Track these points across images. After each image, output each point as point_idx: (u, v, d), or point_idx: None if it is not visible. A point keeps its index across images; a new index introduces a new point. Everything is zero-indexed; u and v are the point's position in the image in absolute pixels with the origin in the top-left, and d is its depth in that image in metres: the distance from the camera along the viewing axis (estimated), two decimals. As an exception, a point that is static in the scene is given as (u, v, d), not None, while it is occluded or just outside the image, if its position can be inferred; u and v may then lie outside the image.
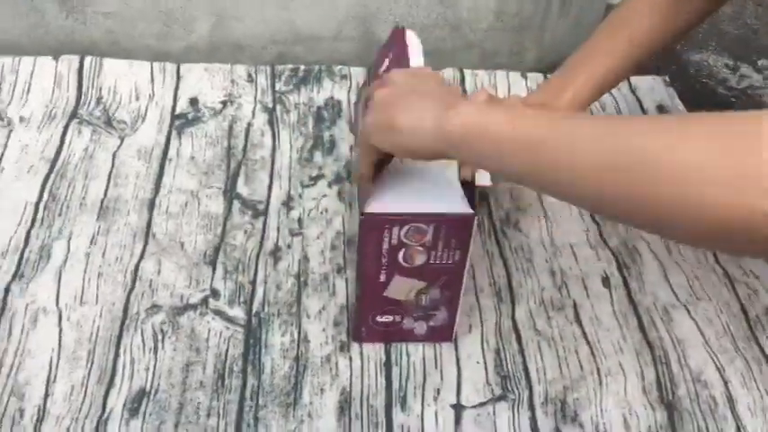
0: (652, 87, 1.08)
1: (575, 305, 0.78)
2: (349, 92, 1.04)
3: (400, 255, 0.65)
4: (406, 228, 0.62)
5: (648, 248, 0.84)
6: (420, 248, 0.64)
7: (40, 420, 0.65)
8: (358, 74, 1.06)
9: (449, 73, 1.07)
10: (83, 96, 0.99)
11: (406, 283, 0.67)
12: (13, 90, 0.99)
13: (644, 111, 1.05)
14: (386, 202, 0.63)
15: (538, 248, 0.83)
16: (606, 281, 0.80)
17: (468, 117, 0.52)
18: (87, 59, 1.02)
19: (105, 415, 0.66)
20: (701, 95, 1.15)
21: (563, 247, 0.83)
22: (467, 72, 1.07)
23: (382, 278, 0.67)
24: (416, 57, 0.74)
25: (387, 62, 0.77)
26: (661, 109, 1.05)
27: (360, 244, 0.65)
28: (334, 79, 1.05)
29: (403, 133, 0.56)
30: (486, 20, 1.03)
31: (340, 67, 1.06)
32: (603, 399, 0.70)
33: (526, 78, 1.07)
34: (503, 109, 0.52)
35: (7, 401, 0.66)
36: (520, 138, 0.49)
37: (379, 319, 0.70)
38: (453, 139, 0.52)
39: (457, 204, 0.62)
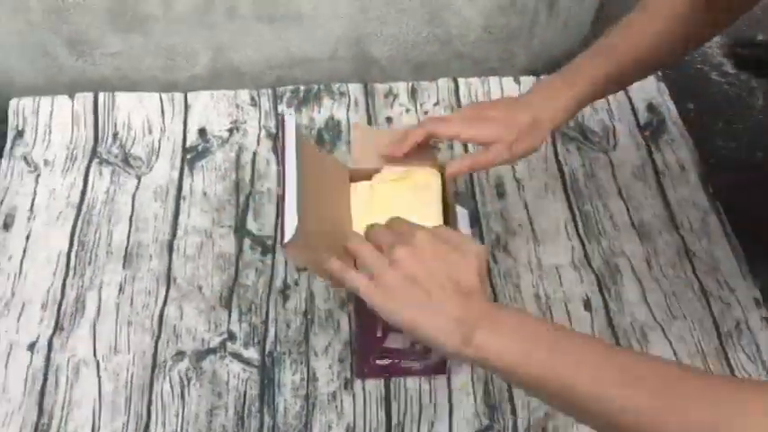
0: (642, 84, 1.10)
1: (557, 331, 0.85)
2: (348, 109, 1.09)
3: None
4: None
5: (629, 266, 0.90)
6: None
7: (90, 468, 0.77)
8: (356, 89, 1.10)
9: (443, 83, 1.11)
10: (100, 133, 1.06)
11: (400, 336, 0.75)
12: (36, 132, 1.06)
13: (634, 110, 1.08)
14: None
15: (525, 273, 0.90)
16: (587, 304, 0.87)
17: (482, 354, 0.55)
18: (101, 96, 1.09)
19: (144, 459, 0.77)
20: (694, 82, 1.17)
21: (549, 269, 0.90)
22: (460, 81, 1.11)
23: (379, 334, 0.74)
24: (290, 148, 0.69)
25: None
26: (651, 108, 1.09)
27: (357, 311, 0.72)
28: (334, 97, 1.10)
29: (420, 336, 0.57)
30: (475, 33, 1.06)
31: (338, 84, 1.11)
32: (580, 425, 0.78)
33: (519, 83, 1.11)
34: (515, 348, 0.54)
35: (61, 452, 0.78)
36: (521, 380, 0.55)
37: (378, 362, 0.79)
38: (468, 359, 0.56)
39: None
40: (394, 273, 0.57)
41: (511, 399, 0.80)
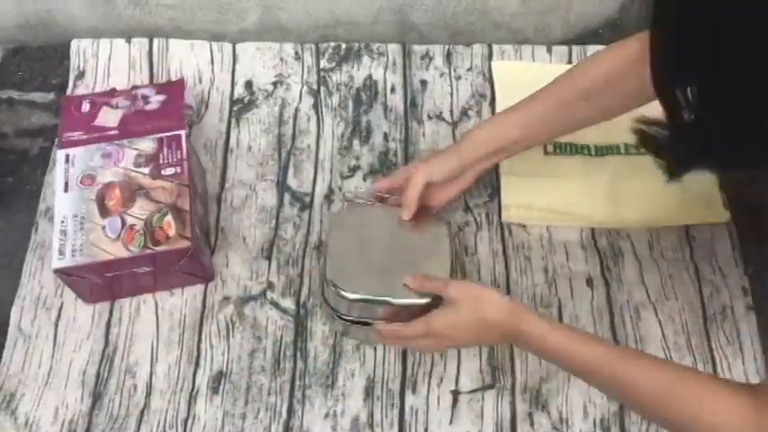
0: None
1: (560, 303, 0.95)
2: (385, 70, 1.15)
3: None
4: None
5: (632, 249, 0.99)
6: None
7: (149, 394, 0.90)
8: (394, 50, 1.16)
9: (477, 49, 1.16)
10: (154, 79, 1.14)
11: None
12: (96, 74, 1.14)
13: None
14: None
15: (536, 246, 0.99)
16: (590, 281, 0.96)
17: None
18: (155, 42, 1.16)
19: (195, 391, 0.90)
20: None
21: (558, 245, 0.99)
22: (495, 47, 1.16)
23: None
24: None
25: None
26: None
27: None
28: (373, 56, 1.16)
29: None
30: (512, 5, 1.10)
31: (378, 45, 1.16)
32: (570, 390, 0.89)
33: (551, 53, 1.16)
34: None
35: (124, 378, 0.91)
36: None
37: None
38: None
39: None
40: (430, 342, 0.81)
41: (512, 362, 0.91)
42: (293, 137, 1.09)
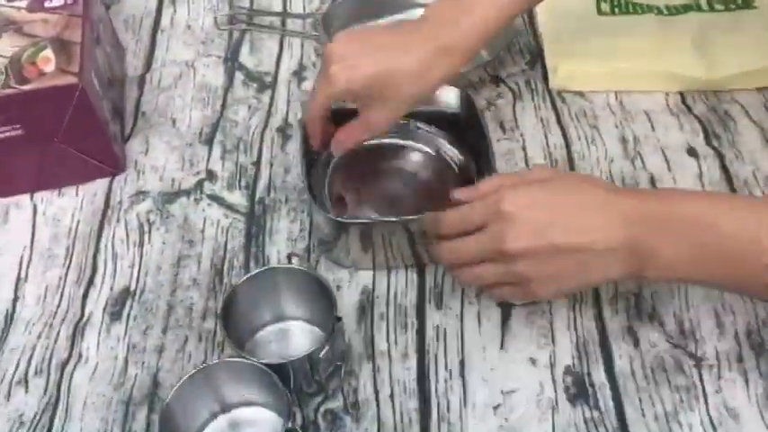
0: None
1: (652, 179, 0.63)
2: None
3: None
4: None
5: (744, 113, 0.67)
6: None
7: (7, 326, 0.55)
8: None
9: None
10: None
11: None
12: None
13: None
14: None
15: (604, 114, 0.68)
16: (692, 151, 0.65)
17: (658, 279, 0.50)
18: None
19: (83, 319, 0.56)
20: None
21: (636, 113, 0.68)
22: None
23: None
24: None
25: None
26: None
27: None
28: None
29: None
30: None
31: None
32: (690, 291, 0.56)
33: None
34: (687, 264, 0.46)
35: (-30, 306, 0.57)
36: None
37: None
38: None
39: None
40: (524, 265, 0.48)
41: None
42: (250, 13, 0.79)
